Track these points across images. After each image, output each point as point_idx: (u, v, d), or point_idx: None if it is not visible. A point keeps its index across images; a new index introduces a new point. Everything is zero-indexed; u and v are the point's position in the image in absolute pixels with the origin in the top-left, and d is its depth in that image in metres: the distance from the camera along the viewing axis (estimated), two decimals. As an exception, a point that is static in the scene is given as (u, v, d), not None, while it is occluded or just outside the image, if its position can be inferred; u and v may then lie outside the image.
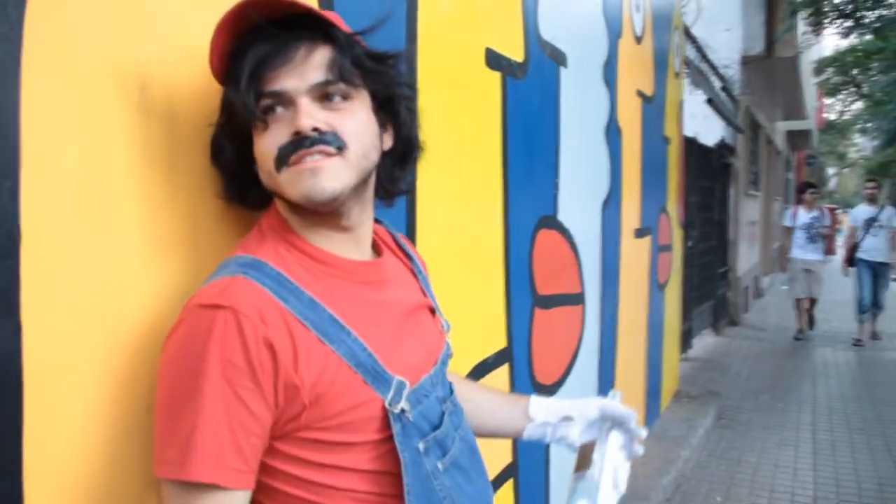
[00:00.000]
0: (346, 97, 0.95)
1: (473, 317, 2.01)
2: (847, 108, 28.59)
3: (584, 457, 1.20)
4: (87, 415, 0.91)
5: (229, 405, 0.84)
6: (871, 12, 9.54)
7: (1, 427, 0.81)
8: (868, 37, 11.58)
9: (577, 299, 2.94)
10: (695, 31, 6.86)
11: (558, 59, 2.59)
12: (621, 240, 3.60)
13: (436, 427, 1.02)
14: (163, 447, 0.85)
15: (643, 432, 1.25)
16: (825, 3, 9.21)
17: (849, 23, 9.70)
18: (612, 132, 3.35)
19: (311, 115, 0.91)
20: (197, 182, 1.08)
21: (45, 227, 0.85)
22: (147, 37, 0.99)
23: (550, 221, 2.59)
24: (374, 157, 1.00)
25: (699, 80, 7.38)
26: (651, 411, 4.52)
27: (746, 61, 9.63)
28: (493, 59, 2.06)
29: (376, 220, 1.12)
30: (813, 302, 8.61)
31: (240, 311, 0.85)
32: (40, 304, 0.85)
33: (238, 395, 0.84)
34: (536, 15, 2.37)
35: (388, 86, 1.01)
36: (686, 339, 6.94)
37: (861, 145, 37.26)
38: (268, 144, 0.93)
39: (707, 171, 7.95)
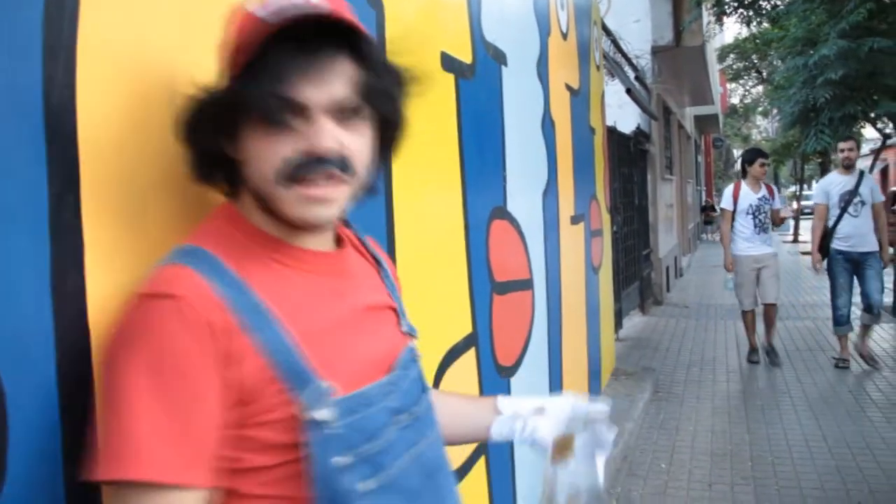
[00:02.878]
0: (361, 116, 0.90)
1: (443, 304, 2.14)
2: (748, 92, 29.99)
3: (564, 447, 1.22)
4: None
5: (167, 395, 0.78)
6: (767, 2, 10.09)
7: (75, 412, 0.89)
8: (765, 25, 12.23)
9: (527, 285, 3.10)
10: (607, 23, 7.15)
11: (500, 58, 2.74)
12: (560, 227, 3.78)
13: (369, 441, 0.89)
14: (101, 443, 0.77)
15: (611, 436, 1.21)
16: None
17: (749, 12, 10.23)
18: (547, 125, 3.53)
19: (333, 137, 0.85)
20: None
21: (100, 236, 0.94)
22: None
23: (501, 212, 2.74)
24: (367, 175, 0.95)
25: (615, 70, 7.69)
26: (593, 389, 4.73)
27: (656, 51, 10.04)
28: (448, 62, 2.18)
29: (345, 223, 1.08)
30: (773, 312, 6.39)
31: (178, 297, 0.81)
32: (102, 306, 0.93)
33: (175, 382, 0.78)
34: (480, 17, 2.51)
35: (396, 103, 0.96)
36: (617, 320, 7.23)
37: (762, 127, 39.06)
38: (272, 151, 0.85)
39: (626, 157, 8.30)
